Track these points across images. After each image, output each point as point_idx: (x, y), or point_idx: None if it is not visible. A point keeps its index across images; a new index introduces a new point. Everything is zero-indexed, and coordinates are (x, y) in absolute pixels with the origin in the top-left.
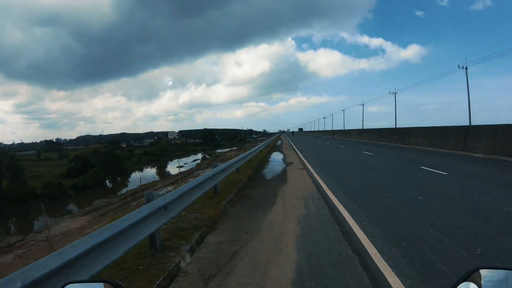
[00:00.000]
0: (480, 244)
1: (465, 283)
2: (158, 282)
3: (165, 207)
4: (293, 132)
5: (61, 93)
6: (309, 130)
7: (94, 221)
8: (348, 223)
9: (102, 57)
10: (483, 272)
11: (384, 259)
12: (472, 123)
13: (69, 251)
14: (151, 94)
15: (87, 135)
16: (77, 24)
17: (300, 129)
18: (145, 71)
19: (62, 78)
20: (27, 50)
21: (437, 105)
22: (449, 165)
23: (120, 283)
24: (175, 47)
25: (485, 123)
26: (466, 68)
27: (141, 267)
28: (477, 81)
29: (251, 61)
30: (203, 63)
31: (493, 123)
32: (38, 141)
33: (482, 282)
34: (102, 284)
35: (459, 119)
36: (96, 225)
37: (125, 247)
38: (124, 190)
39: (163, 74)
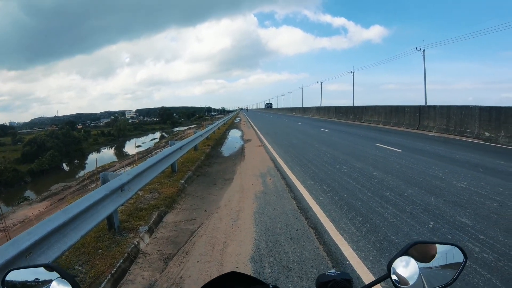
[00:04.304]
0: (432, 218)
1: (404, 256)
2: (118, 264)
3: (121, 188)
4: (247, 108)
5: (12, 73)
6: (262, 107)
7: (52, 207)
8: (305, 199)
9: (56, 32)
10: (420, 246)
11: (340, 233)
12: (428, 104)
13: (24, 239)
14: (107, 71)
15: (41, 117)
16: None
17: (269, 105)
18: (101, 47)
19: (13, 57)
20: None
21: (396, 85)
22: (404, 143)
23: (57, 265)
24: (134, 21)
25: (441, 104)
26: (424, 51)
27: (100, 250)
28: (435, 64)
29: (212, 36)
30: (163, 39)
31: (448, 104)
32: None
33: (419, 255)
34: (42, 268)
35: (416, 99)
36: (55, 210)
37: (82, 231)
38: (82, 173)
39: (120, 50)
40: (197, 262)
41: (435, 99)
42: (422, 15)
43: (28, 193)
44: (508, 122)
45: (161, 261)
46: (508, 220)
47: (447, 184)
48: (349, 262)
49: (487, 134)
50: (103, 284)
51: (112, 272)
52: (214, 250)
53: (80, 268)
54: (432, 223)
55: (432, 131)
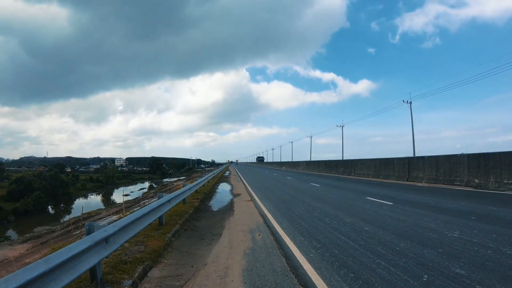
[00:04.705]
0: (426, 271)
1: None
2: None
3: (106, 239)
4: (237, 161)
5: (6, 109)
6: (252, 161)
7: (34, 250)
8: (295, 256)
9: (53, 73)
10: None
11: None
12: (416, 154)
13: (2, 286)
14: (100, 117)
15: (31, 156)
16: (30, 35)
17: (261, 159)
18: (96, 93)
19: (8, 93)
20: None
21: (384, 137)
22: (394, 195)
23: None
24: (129, 70)
25: (429, 154)
26: (411, 103)
27: None
28: (421, 115)
29: (205, 89)
30: (156, 89)
31: (436, 154)
32: None
33: None
34: None
35: (404, 150)
36: (36, 254)
37: (63, 281)
38: (67, 217)
39: (114, 97)
40: None
41: (423, 149)
42: (406, 67)
43: (10, 232)
44: (497, 167)
45: None
46: (504, 266)
47: (439, 235)
48: None
49: (476, 181)
50: None
51: None
52: None
53: None
54: (426, 276)
55: (422, 182)
